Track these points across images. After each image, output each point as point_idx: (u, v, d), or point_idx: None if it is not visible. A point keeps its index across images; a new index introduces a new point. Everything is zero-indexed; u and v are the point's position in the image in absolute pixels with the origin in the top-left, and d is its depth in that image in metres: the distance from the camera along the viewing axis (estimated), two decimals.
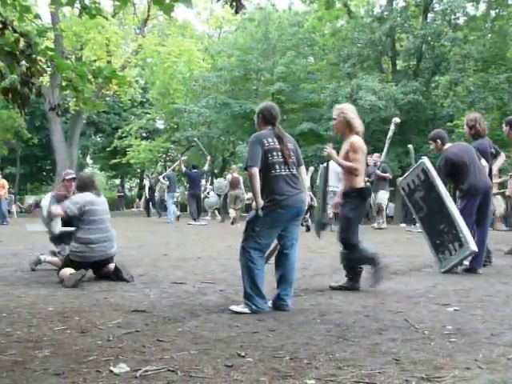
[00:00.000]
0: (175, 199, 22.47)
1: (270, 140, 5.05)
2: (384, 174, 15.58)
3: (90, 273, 6.91)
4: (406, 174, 8.05)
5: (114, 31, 26.70)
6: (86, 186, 7.11)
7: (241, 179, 19.89)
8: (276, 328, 4.32)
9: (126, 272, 6.78)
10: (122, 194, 44.20)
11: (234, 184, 19.60)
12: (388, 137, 13.30)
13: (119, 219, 20.52)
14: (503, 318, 4.64)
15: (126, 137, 36.53)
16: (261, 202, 4.93)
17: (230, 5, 4.21)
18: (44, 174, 46.27)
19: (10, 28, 4.17)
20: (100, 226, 6.86)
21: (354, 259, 6.06)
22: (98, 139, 46.99)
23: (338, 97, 24.31)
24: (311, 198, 14.35)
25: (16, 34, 4.21)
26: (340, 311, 4.96)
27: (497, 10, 25.07)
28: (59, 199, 7.61)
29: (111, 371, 3.21)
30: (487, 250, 7.79)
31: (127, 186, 56.11)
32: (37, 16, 4.75)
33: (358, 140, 5.98)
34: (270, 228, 5.00)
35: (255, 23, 29.40)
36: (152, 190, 26.22)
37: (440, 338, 3.94)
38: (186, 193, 22.31)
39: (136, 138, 36.92)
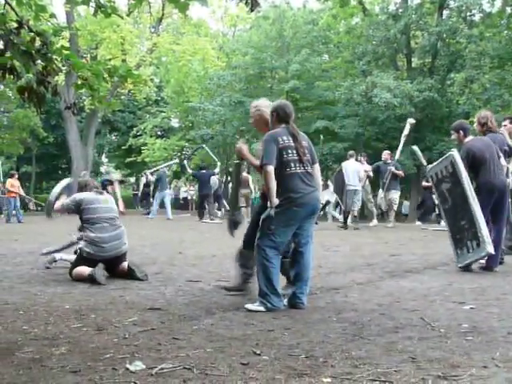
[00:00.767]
0: (169, 197, 22.89)
1: (284, 138, 5.05)
2: (398, 172, 15.52)
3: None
4: (435, 163, 7.96)
5: (129, 30, 26.77)
6: (82, 187, 7.23)
7: (250, 178, 20.11)
8: (291, 326, 4.32)
9: (140, 271, 6.80)
10: (137, 192, 44.36)
11: (243, 183, 19.24)
12: (403, 135, 13.26)
13: (134, 217, 20.61)
14: None
15: (140, 135, 36.64)
16: (275, 201, 4.93)
17: (246, 3, 4.21)
18: (59, 172, 46.50)
19: (26, 27, 4.19)
20: (104, 225, 6.92)
21: (245, 257, 5.70)
22: (113, 138, 47.17)
23: (353, 94, 24.28)
24: None
25: (32, 34, 4.23)
26: (356, 309, 4.95)
27: None
28: None
29: (127, 369, 3.22)
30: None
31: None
32: (52, 15, 4.78)
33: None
34: (285, 226, 5.00)
35: (270, 21, 29.38)
36: (148, 186, 26.31)
37: (456, 337, 3.91)
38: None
39: (151, 136, 37.00)
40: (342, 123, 26.47)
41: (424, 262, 8.22)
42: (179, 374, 3.12)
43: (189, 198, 35.23)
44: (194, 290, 6.00)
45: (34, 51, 4.18)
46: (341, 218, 16.36)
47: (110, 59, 25.06)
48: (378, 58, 26.67)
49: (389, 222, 16.04)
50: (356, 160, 15.86)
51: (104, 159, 51.69)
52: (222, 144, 33.99)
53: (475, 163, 7.33)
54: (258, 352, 3.54)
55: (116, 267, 6.95)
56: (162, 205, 22.16)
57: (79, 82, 4.53)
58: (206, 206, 20.35)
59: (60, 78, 21.34)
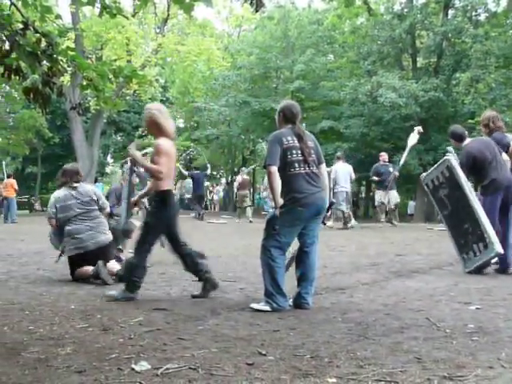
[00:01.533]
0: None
1: (289, 138, 5.04)
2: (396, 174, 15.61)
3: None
4: (430, 170, 7.95)
5: (134, 31, 26.76)
6: (60, 183, 7.26)
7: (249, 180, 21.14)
8: (297, 326, 4.32)
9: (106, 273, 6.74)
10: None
11: (243, 185, 20.69)
12: (410, 144, 13.20)
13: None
14: None
15: (146, 135, 36.66)
16: (279, 201, 4.93)
17: (250, 3, 4.21)
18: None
19: (32, 28, 4.20)
20: (80, 217, 6.94)
21: (131, 265, 5.73)
22: (119, 138, 47.22)
23: (358, 94, 24.28)
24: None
25: (37, 35, 4.24)
26: (361, 309, 4.95)
27: None
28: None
29: (133, 369, 3.22)
30: None
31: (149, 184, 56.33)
32: (58, 16, 4.79)
33: (162, 143, 5.61)
34: (291, 226, 4.99)
35: (275, 21, 29.40)
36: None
37: (462, 337, 3.90)
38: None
39: None
40: (347, 123, 26.47)
41: (430, 262, 8.21)
42: (184, 374, 3.13)
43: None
44: (199, 290, 5.99)
45: (39, 52, 4.19)
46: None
47: (115, 60, 25.05)
48: (383, 57, 26.65)
49: (394, 220, 16.10)
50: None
51: (109, 159, 51.76)
52: (227, 144, 34.04)
53: (477, 165, 7.27)
54: (264, 352, 3.54)
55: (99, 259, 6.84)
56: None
57: (84, 83, 4.55)
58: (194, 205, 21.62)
59: (65, 79, 21.38)
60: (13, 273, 7.34)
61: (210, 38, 30.88)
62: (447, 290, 5.88)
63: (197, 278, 5.83)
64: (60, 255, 7.76)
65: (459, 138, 7.63)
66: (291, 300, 5.10)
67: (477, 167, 7.28)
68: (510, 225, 7.30)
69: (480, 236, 6.89)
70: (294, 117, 5.19)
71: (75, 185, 7.16)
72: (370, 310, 4.94)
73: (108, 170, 50.05)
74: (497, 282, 6.45)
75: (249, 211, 20.53)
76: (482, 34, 23.23)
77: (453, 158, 7.33)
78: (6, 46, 4.20)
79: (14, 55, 4.23)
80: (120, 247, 8.29)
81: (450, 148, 7.68)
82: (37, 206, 34.00)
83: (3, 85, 31.67)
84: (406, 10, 25.97)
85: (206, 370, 3.20)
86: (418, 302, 5.24)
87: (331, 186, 15.15)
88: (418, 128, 13.94)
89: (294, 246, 5.26)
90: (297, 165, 4.99)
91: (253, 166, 25.67)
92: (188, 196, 26.69)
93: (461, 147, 7.58)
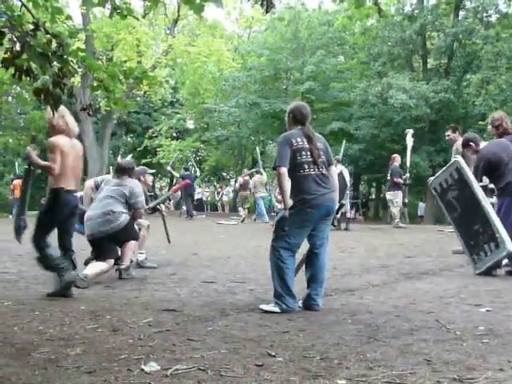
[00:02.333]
0: None
1: (298, 140, 5.04)
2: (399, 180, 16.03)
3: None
4: (438, 174, 7.93)
5: (145, 32, 26.82)
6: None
7: (251, 182, 21.12)
8: (306, 328, 4.31)
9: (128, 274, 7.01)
10: (153, 193, 44.47)
11: (244, 186, 21.20)
12: (409, 148, 13.40)
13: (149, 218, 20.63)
14: None
15: (156, 137, 36.74)
16: (289, 202, 4.93)
17: (261, 4, 4.21)
18: None
19: (42, 29, 4.21)
20: (96, 204, 7.01)
21: (43, 263, 5.85)
22: (129, 139, 47.30)
23: (368, 96, 24.24)
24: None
25: (48, 35, 4.25)
26: (371, 311, 4.93)
27: None
28: None
29: (142, 370, 3.22)
30: None
31: (157, 185, 56.44)
32: (68, 17, 4.81)
33: (55, 140, 5.68)
34: (300, 227, 4.99)
35: (285, 22, 29.36)
36: None
37: (472, 339, 3.88)
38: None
39: (166, 137, 37.09)
40: (357, 124, 26.42)
41: (440, 263, 8.18)
42: (194, 375, 3.13)
43: (203, 199, 35.30)
44: (208, 291, 6.01)
45: (50, 53, 4.20)
46: None
47: (125, 61, 25.11)
48: (393, 59, 26.60)
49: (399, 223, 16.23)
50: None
51: (120, 160, 51.85)
52: (237, 145, 34.04)
53: (492, 167, 7.22)
54: (273, 353, 3.53)
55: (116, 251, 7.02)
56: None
57: (95, 84, 4.55)
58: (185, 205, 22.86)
59: (76, 80, 21.49)
60: (23, 273, 7.37)
61: (220, 39, 30.90)
62: (457, 292, 5.85)
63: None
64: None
65: (475, 143, 7.60)
66: (301, 301, 5.09)
67: (492, 170, 7.23)
68: None
69: (491, 236, 6.85)
70: (304, 118, 5.18)
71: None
72: (380, 311, 4.93)
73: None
74: (507, 284, 6.42)
75: (241, 212, 21.14)
76: (493, 35, 23.13)
77: (461, 160, 7.30)
78: (17, 47, 4.21)
79: (24, 56, 4.24)
80: None
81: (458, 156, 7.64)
82: None
83: (14, 86, 31.88)
84: (416, 11, 25.89)
85: (216, 371, 3.20)
86: (428, 304, 5.22)
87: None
88: (410, 131, 14.08)
89: (304, 248, 5.25)
90: (306, 166, 4.98)
91: (254, 170, 25.80)
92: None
93: (478, 151, 7.52)
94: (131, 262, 8.14)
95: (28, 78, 4.33)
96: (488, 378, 3.05)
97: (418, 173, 23.39)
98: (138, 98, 34.47)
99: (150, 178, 8.96)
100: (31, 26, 4.13)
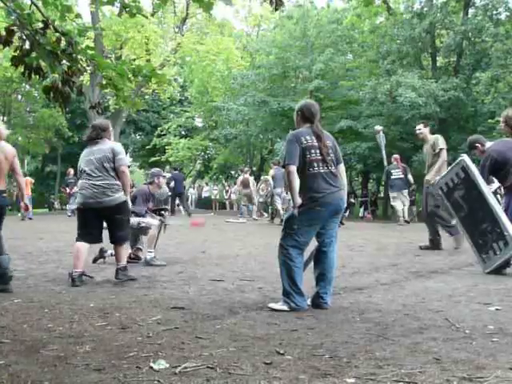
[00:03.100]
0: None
1: (307, 138, 5.03)
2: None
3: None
4: (443, 173, 7.91)
5: (153, 30, 26.85)
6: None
7: (251, 180, 21.57)
8: (315, 326, 4.30)
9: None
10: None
11: (245, 184, 21.23)
12: (383, 147, 13.46)
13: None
14: None
15: (164, 135, 36.83)
16: (298, 201, 4.93)
17: (270, 2, 4.20)
18: None
19: (52, 27, 4.22)
20: (88, 172, 6.74)
21: None
22: (138, 137, 47.44)
23: (377, 94, 24.15)
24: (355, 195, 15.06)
25: (57, 34, 4.26)
26: (380, 310, 4.92)
27: None
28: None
29: (151, 367, 3.23)
30: None
31: (162, 182, 56.56)
32: (78, 15, 4.82)
33: None
34: (309, 226, 4.98)
35: (294, 21, 29.34)
36: None
37: (482, 338, 3.87)
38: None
39: (175, 136, 37.19)
40: (366, 123, 26.32)
41: (449, 262, 8.16)
42: (202, 373, 3.13)
43: (212, 197, 35.35)
44: (217, 289, 6.01)
45: (59, 51, 4.21)
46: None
47: (134, 59, 25.16)
48: (402, 57, 26.49)
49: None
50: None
51: (128, 158, 51.97)
52: (245, 144, 34.03)
53: (499, 166, 7.21)
54: (282, 352, 3.53)
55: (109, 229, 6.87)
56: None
57: (104, 82, 4.56)
58: (180, 203, 24.28)
59: (85, 78, 21.56)
60: (32, 271, 7.40)
61: (229, 37, 30.91)
62: (467, 291, 5.83)
63: None
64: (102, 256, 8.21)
65: (481, 144, 7.59)
66: (309, 300, 5.08)
67: (499, 168, 7.21)
68: None
69: (499, 234, 6.83)
70: (313, 116, 5.17)
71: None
72: (389, 310, 4.92)
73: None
74: None
75: (244, 209, 21.61)
76: (503, 33, 22.99)
77: (468, 158, 7.29)
78: (27, 45, 4.22)
79: (34, 54, 4.25)
80: (139, 246, 8.35)
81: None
82: (56, 204, 34.23)
83: (23, 84, 32.01)
84: (425, 9, 25.78)
85: (224, 369, 3.20)
86: (438, 303, 5.20)
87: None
88: (377, 127, 14.16)
89: (311, 245, 5.24)
90: (315, 164, 4.97)
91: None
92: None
93: (484, 152, 7.51)
94: (140, 259, 8.20)
95: (37, 76, 4.35)
96: (498, 376, 3.03)
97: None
98: (147, 97, 34.54)
99: (163, 181, 8.98)
100: (41, 25, 4.14)
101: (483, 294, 5.68)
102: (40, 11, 4.38)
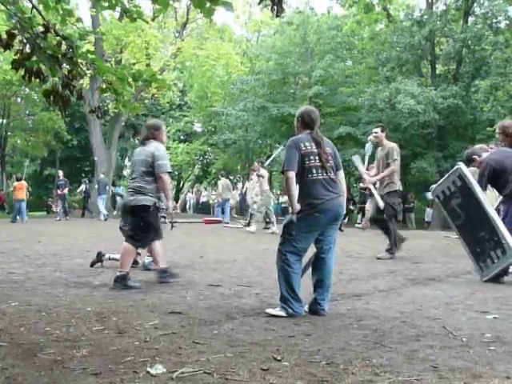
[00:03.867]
0: (103, 201, 24.58)
1: (307, 144, 5.04)
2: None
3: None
4: (440, 181, 7.92)
5: (154, 34, 26.92)
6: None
7: (257, 185, 21.09)
8: (312, 332, 4.30)
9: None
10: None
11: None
12: (366, 158, 13.33)
13: None
14: None
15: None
16: (297, 207, 4.93)
17: (271, 8, 4.21)
18: (83, 175, 46.97)
19: (53, 31, 4.23)
20: (129, 173, 6.95)
21: None
22: (137, 141, 47.43)
23: (377, 101, 24.23)
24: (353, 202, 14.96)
25: (58, 37, 4.27)
26: (377, 317, 4.92)
27: None
28: None
29: (148, 372, 3.22)
30: None
31: None
32: (78, 20, 4.82)
33: None
34: (307, 232, 4.98)
35: (294, 27, 29.45)
36: (87, 193, 27.12)
37: (479, 346, 3.87)
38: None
39: (174, 140, 37.24)
40: (365, 129, 26.37)
41: (447, 270, 8.16)
42: (199, 379, 3.12)
43: (210, 202, 35.35)
44: (214, 294, 6.01)
45: (60, 55, 4.22)
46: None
47: (134, 63, 25.23)
48: (401, 64, 26.59)
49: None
50: None
51: (127, 162, 51.95)
52: (244, 149, 34.07)
53: (497, 175, 7.23)
54: (279, 358, 3.53)
55: None
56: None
57: (104, 86, 4.57)
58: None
59: (85, 82, 21.59)
60: (30, 274, 7.39)
61: (229, 42, 31.01)
62: (464, 299, 5.83)
63: None
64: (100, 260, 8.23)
65: (478, 155, 7.60)
66: (307, 306, 5.08)
67: (497, 177, 7.23)
68: None
69: (497, 242, 6.82)
70: (313, 122, 5.18)
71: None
72: (387, 317, 4.92)
73: (125, 172, 50.26)
74: None
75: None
76: (503, 42, 23.10)
77: (464, 166, 7.30)
78: (27, 48, 4.23)
79: (34, 58, 4.26)
80: (137, 251, 8.34)
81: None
82: (54, 207, 34.22)
83: (23, 87, 32.04)
84: (425, 17, 25.89)
85: (221, 374, 3.20)
86: (435, 310, 5.20)
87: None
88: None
89: (309, 251, 5.25)
90: (314, 171, 4.97)
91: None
92: None
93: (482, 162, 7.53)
94: (137, 264, 8.19)
95: (37, 80, 4.36)
96: None
97: (425, 178, 23.35)
98: (146, 101, 34.60)
99: None
100: (41, 28, 4.15)
101: (481, 302, 5.68)
102: (41, 15, 4.39)
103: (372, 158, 11.11)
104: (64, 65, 4.37)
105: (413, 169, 25.62)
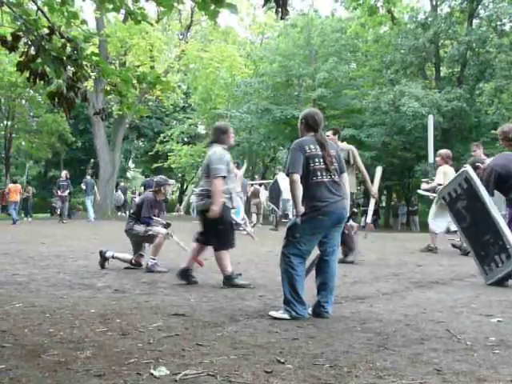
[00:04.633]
0: (91, 202, 24.83)
1: (311, 146, 5.03)
2: None
3: (131, 276, 6.96)
4: (447, 183, 7.91)
5: (158, 37, 26.97)
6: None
7: (261, 190, 21.62)
8: (316, 335, 4.29)
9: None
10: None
11: (254, 194, 21.42)
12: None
13: None
14: None
15: (167, 141, 36.92)
16: (301, 209, 4.93)
17: (276, 11, 4.22)
18: (87, 177, 47.09)
19: (58, 33, 4.24)
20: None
21: None
22: (141, 143, 47.56)
23: (381, 103, 24.21)
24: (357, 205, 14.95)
25: (63, 40, 4.28)
26: (381, 320, 4.91)
27: None
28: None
29: (151, 374, 3.22)
30: None
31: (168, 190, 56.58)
32: (83, 22, 4.84)
33: None
34: (311, 234, 4.98)
35: (298, 29, 29.44)
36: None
37: (483, 350, 3.86)
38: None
39: (177, 142, 37.26)
40: (368, 132, 26.39)
41: (451, 273, 8.14)
42: (203, 381, 3.12)
43: None
44: (218, 296, 6.00)
45: (64, 57, 4.23)
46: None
47: (138, 66, 25.27)
48: (406, 66, 26.58)
49: None
50: None
51: (131, 164, 52.06)
52: (247, 151, 34.07)
53: (502, 180, 7.24)
54: (282, 360, 3.52)
55: None
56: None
57: (108, 88, 4.58)
58: None
59: (89, 84, 21.60)
60: (34, 275, 7.40)
61: (233, 45, 31.02)
62: (468, 302, 5.82)
63: None
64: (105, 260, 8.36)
65: (476, 167, 7.66)
66: (310, 308, 5.08)
67: (502, 182, 7.24)
68: None
69: (502, 247, 6.81)
70: (317, 124, 5.18)
71: None
72: (390, 320, 4.91)
73: (129, 174, 50.36)
74: None
75: (255, 217, 21.56)
76: (507, 44, 23.06)
77: (471, 169, 7.29)
78: (32, 50, 4.24)
79: (39, 60, 4.27)
80: (142, 253, 8.38)
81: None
82: (58, 209, 34.32)
83: (27, 89, 32.12)
84: (429, 19, 25.87)
85: (225, 376, 3.19)
86: (439, 314, 5.19)
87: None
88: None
89: (313, 254, 5.24)
90: (319, 173, 4.97)
91: (265, 181, 25.59)
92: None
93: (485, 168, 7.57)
94: (140, 265, 8.23)
95: (42, 82, 4.37)
96: None
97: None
98: (150, 103, 34.67)
99: (169, 189, 9.05)
100: (46, 31, 4.17)
101: (485, 305, 5.67)
102: (46, 17, 4.40)
103: None
104: (68, 67, 4.38)
105: (417, 171, 25.58)
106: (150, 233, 8.18)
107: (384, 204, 38.54)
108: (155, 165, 38.94)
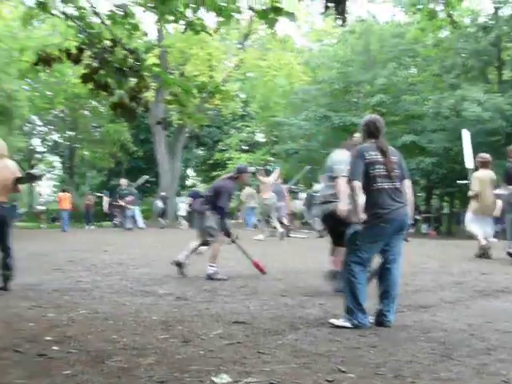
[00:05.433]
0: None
1: (372, 153, 4.99)
2: None
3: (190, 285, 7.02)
4: None
5: (216, 46, 27.22)
6: None
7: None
8: (378, 344, 4.24)
9: None
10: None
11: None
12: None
13: None
14: None
15: (226, 150, 37.17)
16: (362, 217, 4.88)
17: (335, 18, 4.21)
18: (148, 185, 47.80)
19: (120, 45, 4.33)
20: None
21: None
22: (200, 152, 47.99)
23: (442, 108, 23.81)
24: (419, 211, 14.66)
25: (125, 51, 4.37)
26: (445, 329, 4.81)
27: None
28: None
29: (213, 381, 3.24)
30: None
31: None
32: (144, 34, 4.93)
33: None
34: (372, 242, 4.93)
35: (356, 35, 29.24)
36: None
37: None
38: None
39: (236, 150, 37.48)
40: (429, 138, 25.97)
41: None
42: None
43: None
44: (278, 304, 6.00)
45: (126, 68, 4.31)
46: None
47: (197, 75, 25.55)
48: (467, 71, 26.11)
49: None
50: None
51: (191, 173, 52.57)
52: (306, 159, 33.98)
53: None
54: (344, 369, 3.49)
55: None
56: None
57: (169, 98, 4.64)
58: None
59: (149, 94, 21.98)
60: (97, 283, 7.54)
61: (291, 52, 31.04)
62: None
63: None
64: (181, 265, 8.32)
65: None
66: (372, 317, 5.02)
67: None
68: None
69: None
70: (378, 131, 5.14)
71: None
72: (454, 329, 4.81)
73: (188, 183, 50.88)
74: None
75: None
76: None
77: None
78: (95, 63, 4.34)
79: (102, 72, 4.36)
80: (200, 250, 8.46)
81: None
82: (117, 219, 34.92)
83: (90, 100, 32.90)
84: (491, 22, 25.36)
85: None
86: (505, 323, 5.06)
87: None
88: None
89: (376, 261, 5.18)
90: (379, 180, 4.92)
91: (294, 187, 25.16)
92: None
93: None
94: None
95: (105, 93, 4.46)
96: None
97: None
98: (210, 112, 34.98)
99: (248, 178, 9.03)
100: (109, 43, 4.25)
101: None
102: (109, 30, 4.50)
103: None
104: (130, 78, 4.46)
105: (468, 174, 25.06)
106: (210, 239, 8.20)
107: (446, 210, 37.88)
108: (214, 173, 39.24)
